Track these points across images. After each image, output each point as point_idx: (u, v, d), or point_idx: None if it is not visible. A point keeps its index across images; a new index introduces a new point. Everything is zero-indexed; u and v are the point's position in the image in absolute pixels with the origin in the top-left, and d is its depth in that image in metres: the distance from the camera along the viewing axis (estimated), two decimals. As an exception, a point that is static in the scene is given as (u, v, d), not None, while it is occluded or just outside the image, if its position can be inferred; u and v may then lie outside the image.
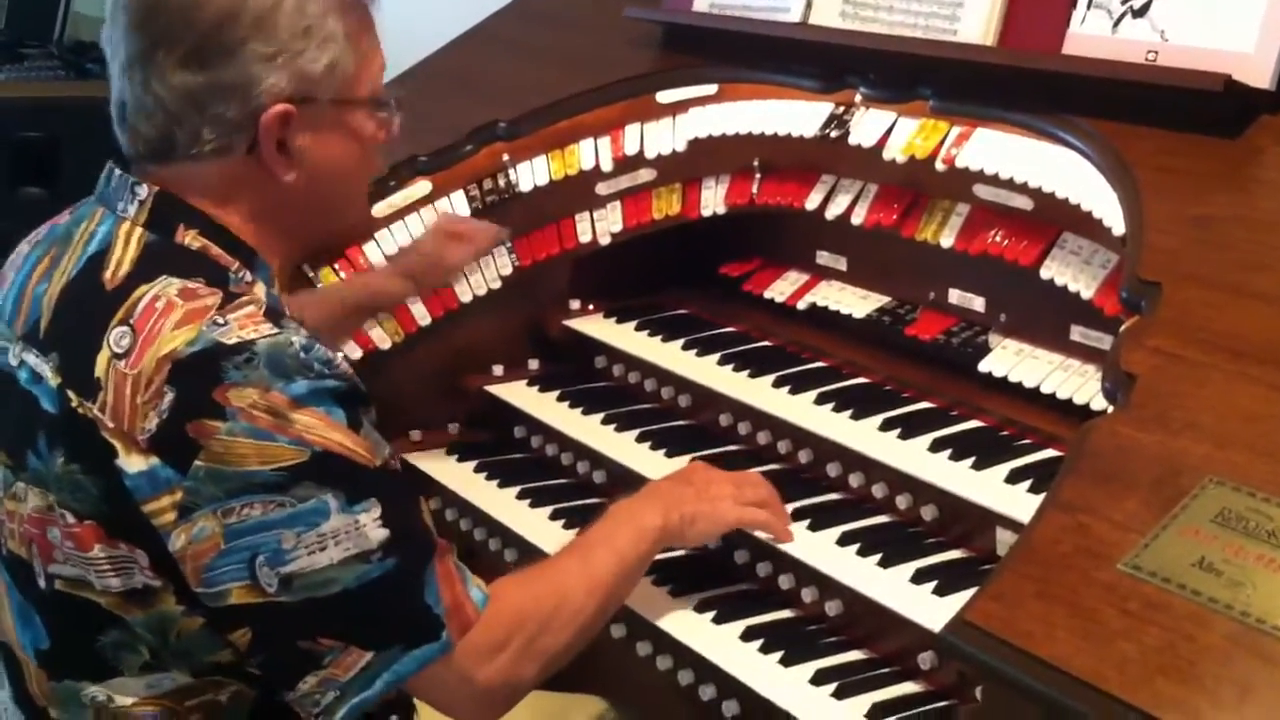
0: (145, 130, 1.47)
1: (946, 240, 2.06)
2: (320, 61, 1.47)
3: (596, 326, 2.45)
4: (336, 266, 2.33)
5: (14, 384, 1.48)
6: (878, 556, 1.80)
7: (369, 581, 1.39)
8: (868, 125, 2.12)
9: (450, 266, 2.24)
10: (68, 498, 1.41)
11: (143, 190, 1.48)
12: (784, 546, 1.85)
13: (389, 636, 1.41)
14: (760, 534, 1.87)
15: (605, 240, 2.46)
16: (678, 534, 1.76)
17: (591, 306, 2.52)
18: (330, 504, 1.37)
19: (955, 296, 2.16)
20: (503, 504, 2.22)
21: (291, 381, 1.37)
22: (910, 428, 1.95)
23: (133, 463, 1.37)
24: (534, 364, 2.50)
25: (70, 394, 1.41)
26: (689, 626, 1.84)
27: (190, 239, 1.47)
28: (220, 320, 1.38)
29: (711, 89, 2.37)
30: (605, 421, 2.25)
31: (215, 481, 1.35)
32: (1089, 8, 1.88)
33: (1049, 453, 1.85)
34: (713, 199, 2.42)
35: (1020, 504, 1.71)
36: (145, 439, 1.36)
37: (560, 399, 2.35)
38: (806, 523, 1.89)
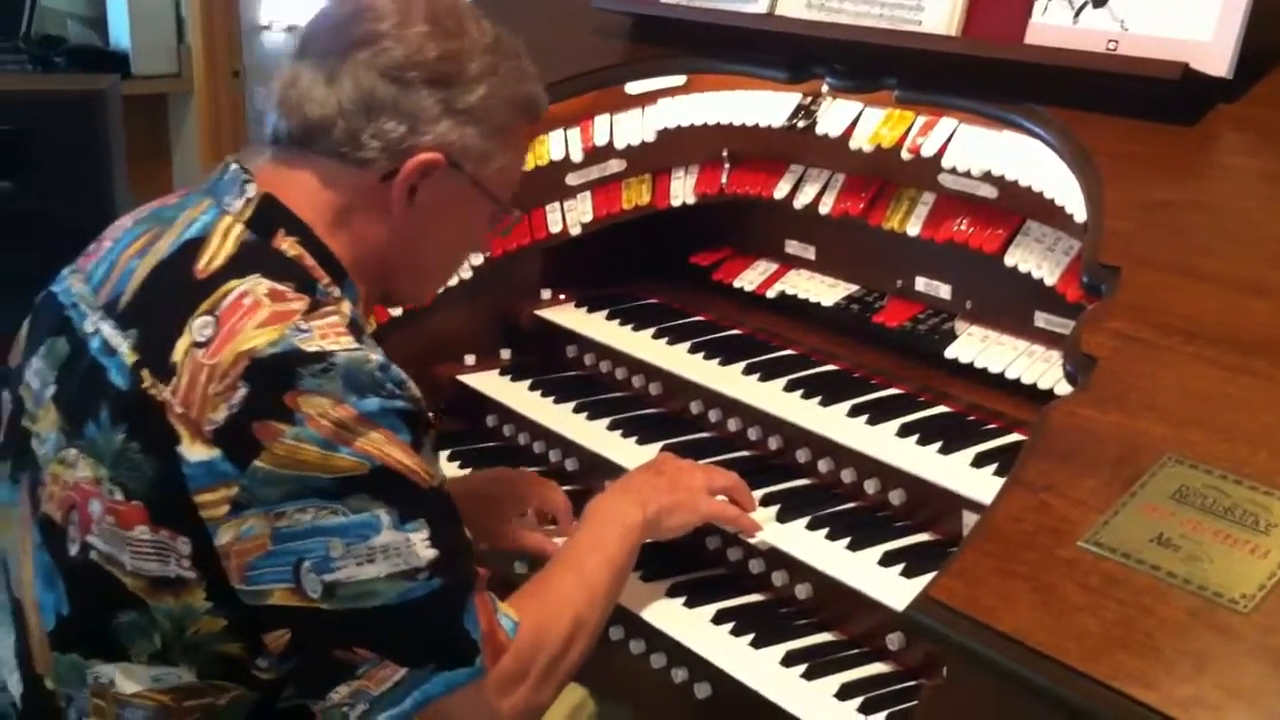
0: (309, 111, 1.51)
1: (913, 229, 2.08)
2: (486, 142, 1.57)
3: (568, 316, 2.47)
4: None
5: (85, 351, 1.49)
6: (847, 540, 1.82)
7: (412, 599, 1.39)
8: (834, 115, 2.14)
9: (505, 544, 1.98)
10: (121, 474, 1.41)
11: (251, 189, 1.51)
12: (754, 532, 1.88)
13: (425, 656, 1.42)
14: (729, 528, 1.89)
15: (576, 230, 2.48)
16: (655, 526, 1.77)
17: (563, 296, 2.53)
18: (383, 519, 1.37)
19: (922, 284, 2.19)
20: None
21: (364, 398, 1.38)
22: (878, 413, 1.98)
23: (194, 451, 1.37)
24: (505, 353, 2.51)
25: (144, 373, 1.41)
26: (661, 611, 1.86)
27: (288, 245, 1.49)
28: (304, 326, 1.39)
29: (680, 80, 2.39)
30: (577, 410, 2.26)
31: (271, 483, 1.36)
32: (1050, -2, 1.91)
33: (1014, 437, 1.87)
34: (682, 189, 2.44)
35: (986, 487, 1.73)
36: (211, 430, 1.37)
37: (532, 388, 2.36)
38: (776, 508, 1.91)
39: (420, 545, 1.39)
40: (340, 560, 1.37)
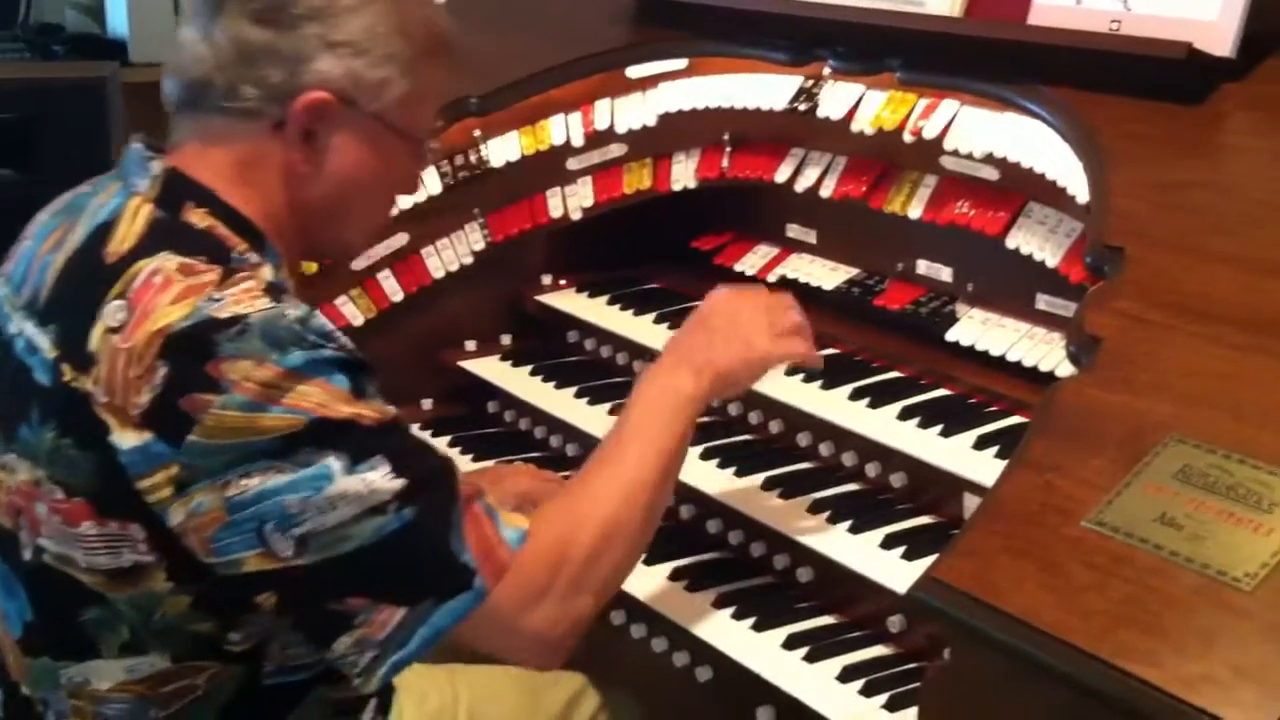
0: (190, 71, 1.47)
1: (914, 211, 2.08)
2: (376, 72, 1.48)
3: (569, 301, 2.46)
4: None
5: (9, 354, 1.47)
6: (848, 523, 1.82)
7: (388, 534, 1.36)
8: (836, 98, 2.14)
9: None
10: (59, 473, 1.39)
11: (155, 166, 1.47)
12: (756, 515, 1.86)
13: (418, 591, 1.38)
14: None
15: (577, 215, 2.47)
16: (716, 392, 1.65)
17: (564, 281, 2.53)
18: (333, 466, 1.34)
19: (923, 267, 2.18)
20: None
21: (286, 353, 1.34)
22: (879, 397, 1.97)
23: (126, 438, 1.35)
24: (507, 339, 2.50)
25: (65, 367, 1.39)
26: (663, 595, 1.86)
27: (197, 217, 1.45)
28: (216, 296, 1.36)
29: (681, 63, 2.38)
30: (578, 395, 2.26)
31: (209, 455, 1.33)
32: (1054, -22, 1.90)
33: (1015, 419, 1.87)
34: (683, 173, 2.43)
35: (987, 470, 1.73)
36: (138, 414, 1.34)
37: (534, 373, 2.36)
38: (778, 491, 1.91)
39: (381, 480, 1.35)
40: (301, 514, 1.34)
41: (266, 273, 1.43)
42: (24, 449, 1.42)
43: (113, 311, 1.37)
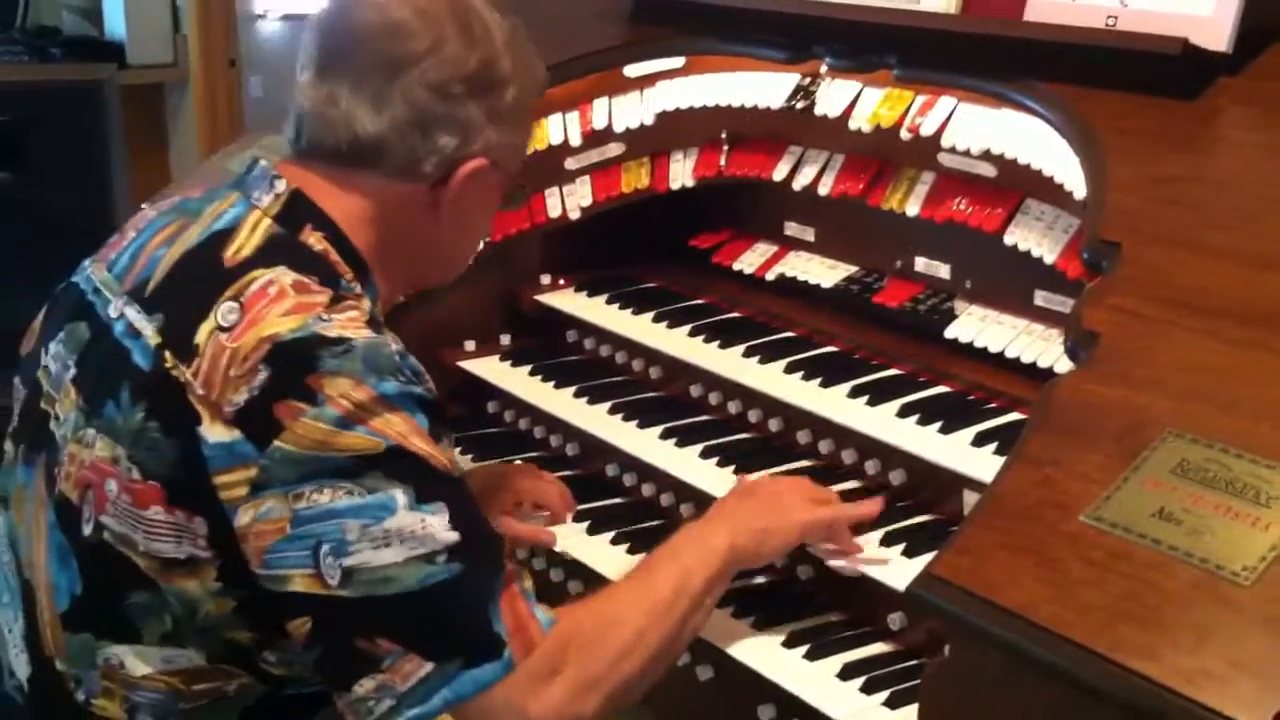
0: (359, 131, 1.52)
1: (912, 209, 2.08)
2: (520, 137, 1.63)
3: (568, 300, 2.46)
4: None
5: (108, 335, 1.50)
6: (848, 520, 1.82)
7: (433, 584, 1.37)
8: (833, 95, 2.14)
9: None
10: (139, 453, 1.42)
11: (280, 185, 1.52)
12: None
13: (450, 648, 1.39)
14: (826, 545, 1.77)
15: (575, 214, 2.47)
16: (752, 554, 1.67)
17: (563, 281, 2.53)
18: (398, 499, 1.36)
19: (921, 264, 2.18)
20: (476, 477, 2.23)
21: (384, 380, 1.38)
22: (878, 394, 1.97)
23: (214, 432, 1.38)
24: (506, 339, 2.50)
25: (167, 354, 1.42)
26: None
27: (314, 240, 1.50)
28: (325, 317, 1.41)
29: (679, 62, 2.38)
30: (578, 395, 2.26)
31: (290, 464, 1.36)
32: (1049, -25, 1.90)
33: (1015, 416, 1.87)
34: (681, 172, 2.43)
35: (987, 466, 1.73)
36: (231, 411, 1.37)
37: (533, 373, 2.36)
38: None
39: (438, 528, 1.38)
40: (356, 544, 1.36)
41: (367, 305, 1.49)
42: (107, 426, 1.45)
43: (225, 311, 1.42)
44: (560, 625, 1.45)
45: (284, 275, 1.44)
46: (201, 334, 1.42)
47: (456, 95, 1.53)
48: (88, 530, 1.47)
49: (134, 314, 1.49)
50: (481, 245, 2.37)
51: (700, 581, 1.58)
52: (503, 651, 1.40)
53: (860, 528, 1.80)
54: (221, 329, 1.41)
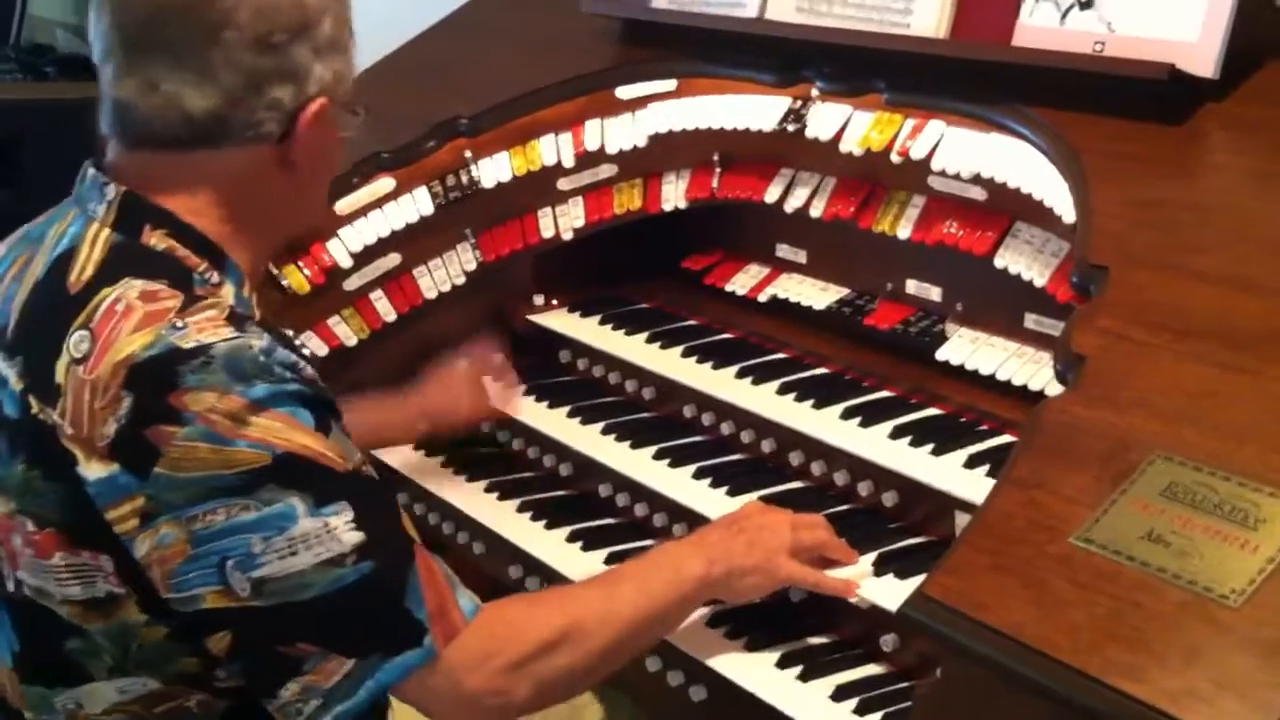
0: (191, 110, 1.44)
1: (903, 231, 2.09)
2: (341, 65, 1.52)
3: (561, 321, 2.47)
4: (301, 264, 2.34)
5: None
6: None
7: (345, 586, 1.37)
8: (824, 118, 2.15)
9: (467, 418, 2.21)
10: (29, 504, 1.39)
11: (110, 190, 1.47)
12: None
13: (369, 644, 1.39)
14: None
15: (568, 235, 2.48)
16: (723, 587, 1.69)
17: (555, 301, 2.54)
18: (297, 507, 1.35)
19: (913, 287, 2.19)
20: (471, 498, 2.23)
21: (251, 385, 1.35)
22: (870, 416, 1.98)
23: (93, 470, 1.35)
24: (499, 359, 2.51)
25: (31, 399, 1.39)
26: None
27: (156, 239, 1.45)
28: (179, 324, 1.37)
29: (671, 84, 2.40)
30: (571, 415, 2.27)
31: (176, 488, 1.34)
32: (1038, 0, 1.92)
33: (1006, 438, 1.88)
34: (673, 193, 2.44)
35: (978, 488, 1.73)
36: (105, 445, 1.35)
37: (525, 393, 2.36)
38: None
39: (343, 529, 1.37)
40: (262, 556, 1.34)
41: (228, 294, 1.44)
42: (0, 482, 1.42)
43: (76, 342, 1.38)
44: (503, 614, 1.47)
45: (129, 289, 1.39)
46: (59, 372, 1.38)
47: (280, 44, 1.45)
48: (11, 587, 1.45)
49: (0, 362, 1.45)
50: (461, 276, 2.39)
51: (664, 603, 1.61)
52: (423, 638, 1.40)
53: (853, 547, 1.80)
54: (76, 361, 1.37)
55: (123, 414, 1.34)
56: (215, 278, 1.45)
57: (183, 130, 1.45)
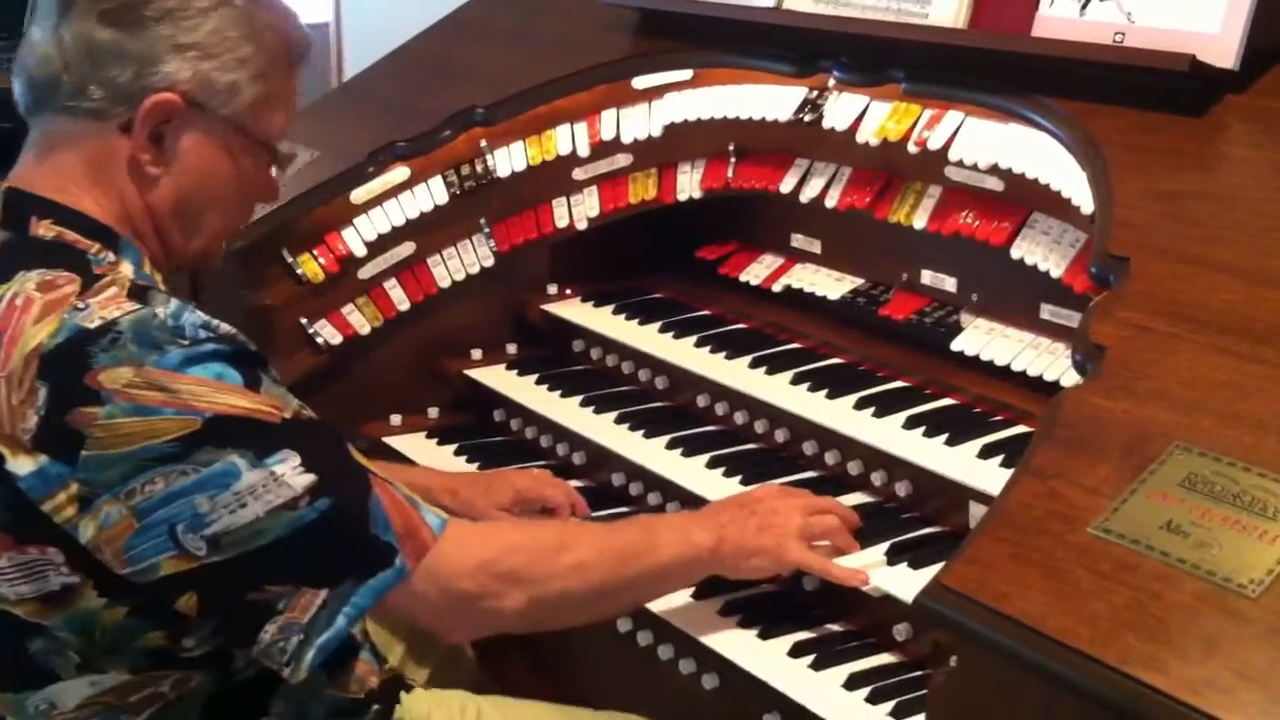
0: (34, 70, 1.46)
1: (919, 222, 2.09)
2: (226, 76, 1.49)
3: (575, 310, 2.47)
4: (316, 253, 2.35)
5: None
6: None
7: (304, 526, 1.37)
8: (841, 109, 2.15)
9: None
10: None
11: None
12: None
13: (339, 572, 1.39)
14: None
15: (582, 225, 2.48)
16: (730, 564, 1.69)
17: (569, 291, 2.54)
18: (238, 463, 1.35)
19: (928, 277, 2.19)
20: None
21: (164, 352, 1.35)
22: (884, 406, 1.98)
23: (22, 465, 1.35)
24: (512, 348, 2.52)
25: None
26: (669, 603, 1.86)
27: (44, 230, 1.45)
28: (81, 305, 1.36)
29: (687, 74, 2.40)
30: (584, 404, 2.27)
31: (107, 467, 1.33)
32: (1057, -9, 1.92)
33: (1020, 429, 1.88)
34: (689, 183, 2.44)
35: (993, 479, 1.74)
36: (29, 438, 1.34)
37: (539, 382, 2.37)
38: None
39: (291, 474, 1.36)
40: (212, 514, 1.34)
41: (127, 270, 1.44)
42: None
43: None
44: (499, 528, 1.52)
45: (26, 283, 1.39)
46: None
47: (129, 22, 1.43)
48: None
49: None
50: (475, 265, 2.37)
51: (665, 561, 1.62)
52: (394, 558, 1.41)
53: (867, 537, 1.81)
54: None
55: (41, 404, 1.34)
56: (110, 257, 1.45)
57: (28, 90, 1.48)
